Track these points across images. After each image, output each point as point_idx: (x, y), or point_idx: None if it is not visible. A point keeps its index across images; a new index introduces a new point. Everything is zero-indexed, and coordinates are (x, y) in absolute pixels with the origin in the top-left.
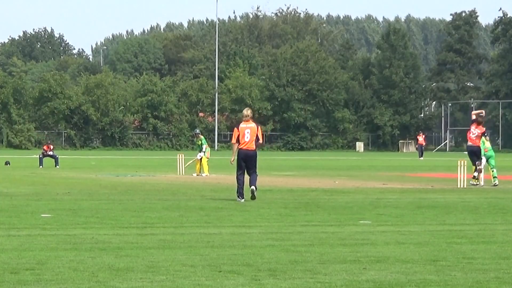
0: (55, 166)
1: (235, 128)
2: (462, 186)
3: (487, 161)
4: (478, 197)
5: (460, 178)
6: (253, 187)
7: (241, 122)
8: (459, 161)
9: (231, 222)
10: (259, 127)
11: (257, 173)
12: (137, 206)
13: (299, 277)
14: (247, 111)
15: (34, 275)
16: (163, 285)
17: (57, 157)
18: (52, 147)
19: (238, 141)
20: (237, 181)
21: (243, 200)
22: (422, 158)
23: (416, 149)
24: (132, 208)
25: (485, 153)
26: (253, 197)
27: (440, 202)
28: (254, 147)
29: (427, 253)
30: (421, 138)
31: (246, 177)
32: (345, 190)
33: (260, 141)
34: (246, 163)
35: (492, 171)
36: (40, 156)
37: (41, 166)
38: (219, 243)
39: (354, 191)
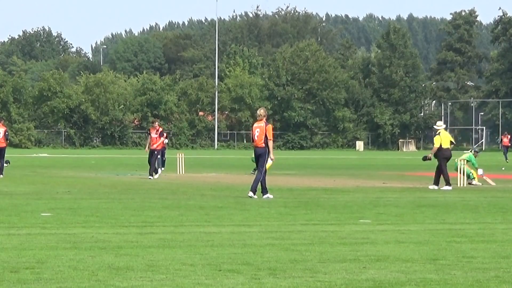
0: (161, 167)
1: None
2: (462, 185)
3: None
4: (478, 196)
5: (460, 177)
6: (250, 193)
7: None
8: (459, 161)
9: (231, 221)
10: (267, 126)
11: (261, 172)
12: (137, 205)
13: (299, 276)
14: (259, 111)
15: (34, 274)
16: (163, 284)
17: (165, 157)
18: (160, 129)
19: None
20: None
21: (252, 195)
22: (508, 160)
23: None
24: (132, 207)
25: None
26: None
27: (440, 201)
28: (264, 144)
29: (427, 252)
30: (506, 139)
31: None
32: (345, 189)
33: (269, 138)
34: (257, 159)
35: None
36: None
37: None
38: (219, 242)
39: (354, 190)
